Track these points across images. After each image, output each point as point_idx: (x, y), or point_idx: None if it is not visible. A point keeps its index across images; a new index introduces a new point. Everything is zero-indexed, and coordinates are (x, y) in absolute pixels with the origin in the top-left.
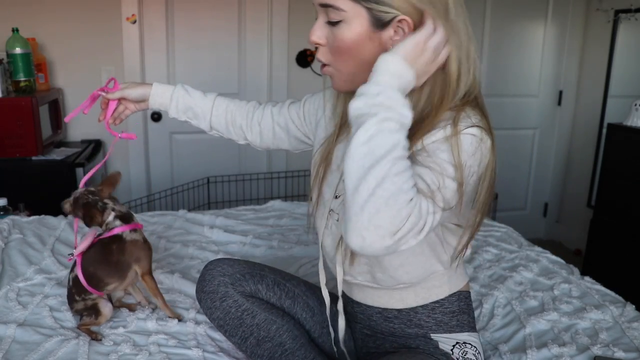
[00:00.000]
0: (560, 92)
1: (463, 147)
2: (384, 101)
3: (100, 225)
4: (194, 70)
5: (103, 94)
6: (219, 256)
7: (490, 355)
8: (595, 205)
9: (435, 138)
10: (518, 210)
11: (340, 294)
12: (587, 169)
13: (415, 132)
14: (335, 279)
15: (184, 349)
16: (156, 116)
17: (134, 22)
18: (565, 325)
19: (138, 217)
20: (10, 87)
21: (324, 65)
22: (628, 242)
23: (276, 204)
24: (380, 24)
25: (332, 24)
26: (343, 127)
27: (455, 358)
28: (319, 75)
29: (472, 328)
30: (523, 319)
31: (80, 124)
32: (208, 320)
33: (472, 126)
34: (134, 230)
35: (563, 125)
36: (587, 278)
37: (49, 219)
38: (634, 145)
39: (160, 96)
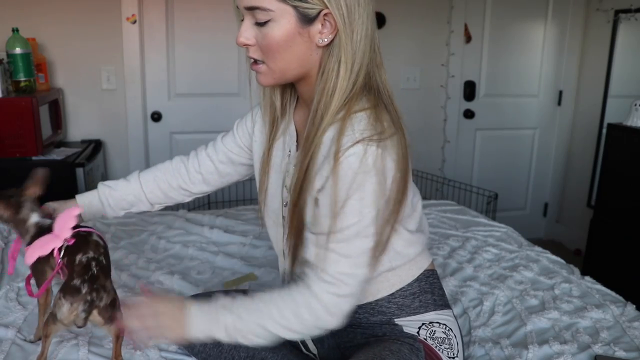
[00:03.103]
0: (560, 92)
1: (342, 178)
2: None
3: (12, 223)
4: (194, 70)
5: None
6: (219, 257)
7: (492, 347)
8: (595, 205)
9: (324, 173)
10: (518, 210)
11: None
12: (587, 169)
13: (303, 143)
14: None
15: (183, 356)
16: (156, 116)
17: (134, 22)
18: (566, 323)
19: (138, 217)
20: (10, 87)
21: (254, 62)
22: (628, 242)
23: None
24: (307, 19)
25: (261, 24)
26: (275, 126)
27: (423, 339)
28: None
29: (439, 306)
30: (524, 316)
31: (80, 124)
32: None
33: (353, 144)
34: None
35: (563, 125)
36: (587, 278)
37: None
38: (634, 145)
39: (89, 206)
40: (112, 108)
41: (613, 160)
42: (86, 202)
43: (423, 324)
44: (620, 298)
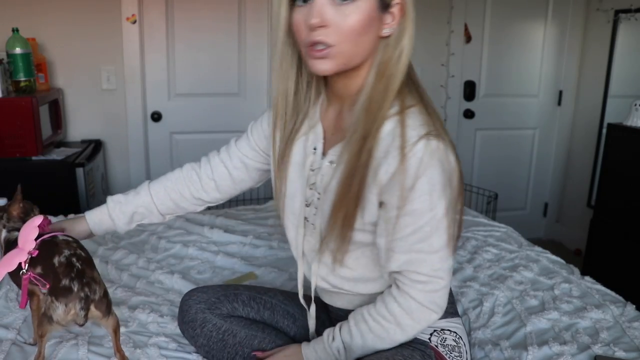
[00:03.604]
0: (560, 92)
1: (411, 174)
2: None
3: None
4: (194, 70)
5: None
6: (219, 257)
7: (491, 349)
8: (595, 205)
9: (390, 169)
10: (518, 210)
11: (313, 298)
12: (587, 169)
13: (359, 131)
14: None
15: (184, 353)
16: (156, 116)
17: (134, 22)
18: (565, 324)
19: None
20: (10, 87)
21: (321, 49)
22: (628, 242)
23: None
24: (384, 5)
25: (339, 3)
26: (295, 123)
27: (434, 346)
28: None
29: (450, 314)
30: (524, 317)
31: (80, 124)
32: None
33: (418, 139)
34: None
35: (563, 125)
36: (587, 278)
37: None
38: (634, 145)
39: (100, 223)
40: (112, 108)
41: (613, 160)
42: (96, 220)
43: (435, 330)
44: (620, 298)
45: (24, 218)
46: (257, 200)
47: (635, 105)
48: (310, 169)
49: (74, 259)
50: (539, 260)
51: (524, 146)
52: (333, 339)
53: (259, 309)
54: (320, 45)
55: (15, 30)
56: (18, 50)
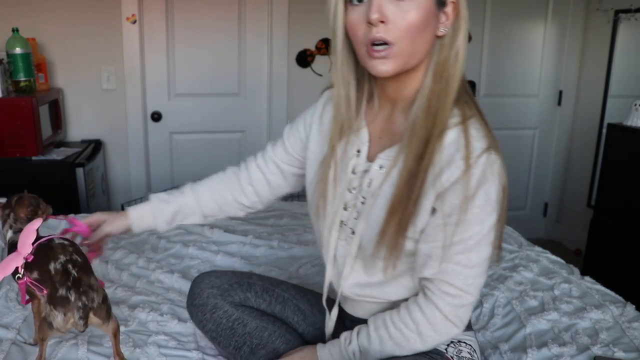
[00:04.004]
0: (560, 92)
1: (473, 186)
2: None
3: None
4: (194, 70)
5: (86, 242)
6: (219, 256)
7: (491, 353)
8: (595, 205)
9: (451, 178)
10: (518, 210)
11: (337, 305)
12: (587, 169)
13: (417, 138)
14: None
15: (183, 351)
16: (156, 116)
17: (134, 22)
18: (565, 325)
19: None
20: (10, 87)
21: (383, 46)
22: (628, 242)
23: (276, 204)
24: (440, 2)
25: None
26: (342, 126)
27: (449, 357)
28: (319, 75)
29: (467, 327)
30: (523, 318)
31: (80, 124)
32: None
33: (481, 152)
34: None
35: (563, 125)
36: (587, 278)
37: (49, 219)
38: (634, 145)
39: (141, 219)
40: (112, 108)
41: (613, 160)
42: (138, 215)
43: (452, 342)
44: (620, 298)
45: (31, 219)
46: None
47: (635, 105)
48: (352, 172)
49: (69, 266)
50: (539, 260)
51: (524, 146)
52: (350, 342)
53: (271, 302)
54: (380, 44)
55: (15, 30)
56: (18, 50)
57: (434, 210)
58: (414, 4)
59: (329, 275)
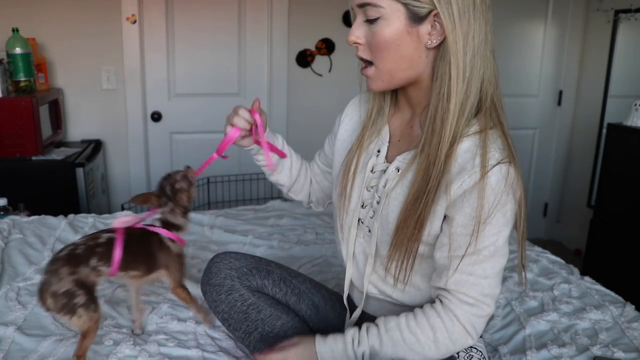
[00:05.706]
0: (560, 92)
1: (487, 196)
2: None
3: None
4: (194, 70)
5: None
6: None
7: (491, 357)
8: (595, 205)
9: (464, 186)
10: None
11: (361, 305)
12: (587, 169)
13: (429, 141)
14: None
15: (184, 349)
16: (156, 116)
17: (134, 22)
18: (565, 325)
19: None
20: (10, 87)
21: (364, 66)
22: (628, 242)
23: (276, 204)
24: (416, 18)
25: (371, 21)
26: (367, 129)
27: None
28: (319, 75)
29: None
30: (523, 319)
31: (80, 124)
32: None
33: (498, 163)
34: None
35: (563, 125)
36: (586, 278)
37: (49, 219)
38: (634, 145)
39: (275, 141)
40: (112, 108)
41: (613, 161)
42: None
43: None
44: (620, 298)
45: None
46: (257, 201)
47: (635, 105)
48: (371, 170)
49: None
50: (539, 260)
51: (524, 146)
52: (359, 343)
53: (287, 292)
54: (366, 63)
55: (15, 30)
56: (18, 50)
57: (446, 217)
58: (383, 24)
59: (350, 274)
